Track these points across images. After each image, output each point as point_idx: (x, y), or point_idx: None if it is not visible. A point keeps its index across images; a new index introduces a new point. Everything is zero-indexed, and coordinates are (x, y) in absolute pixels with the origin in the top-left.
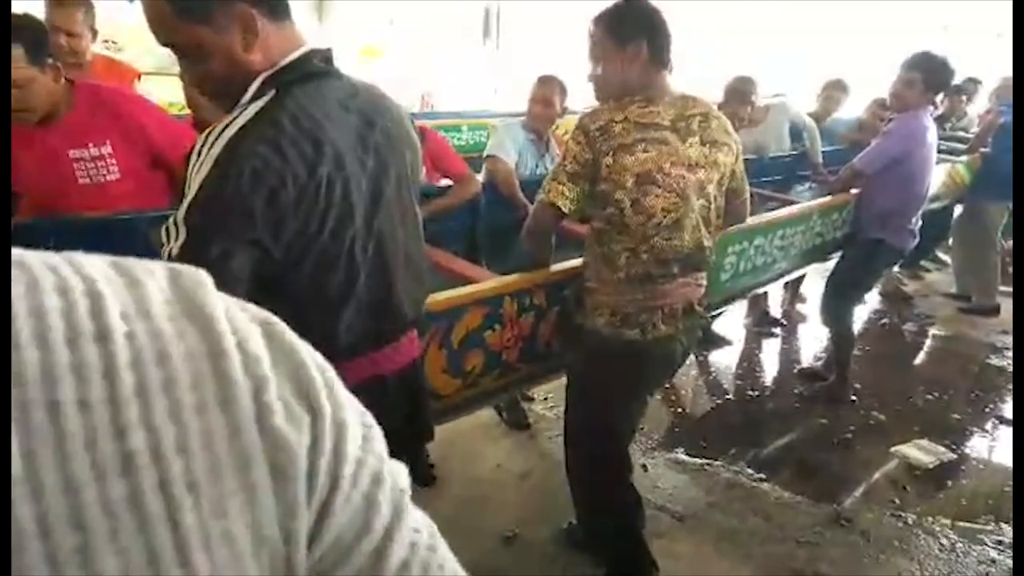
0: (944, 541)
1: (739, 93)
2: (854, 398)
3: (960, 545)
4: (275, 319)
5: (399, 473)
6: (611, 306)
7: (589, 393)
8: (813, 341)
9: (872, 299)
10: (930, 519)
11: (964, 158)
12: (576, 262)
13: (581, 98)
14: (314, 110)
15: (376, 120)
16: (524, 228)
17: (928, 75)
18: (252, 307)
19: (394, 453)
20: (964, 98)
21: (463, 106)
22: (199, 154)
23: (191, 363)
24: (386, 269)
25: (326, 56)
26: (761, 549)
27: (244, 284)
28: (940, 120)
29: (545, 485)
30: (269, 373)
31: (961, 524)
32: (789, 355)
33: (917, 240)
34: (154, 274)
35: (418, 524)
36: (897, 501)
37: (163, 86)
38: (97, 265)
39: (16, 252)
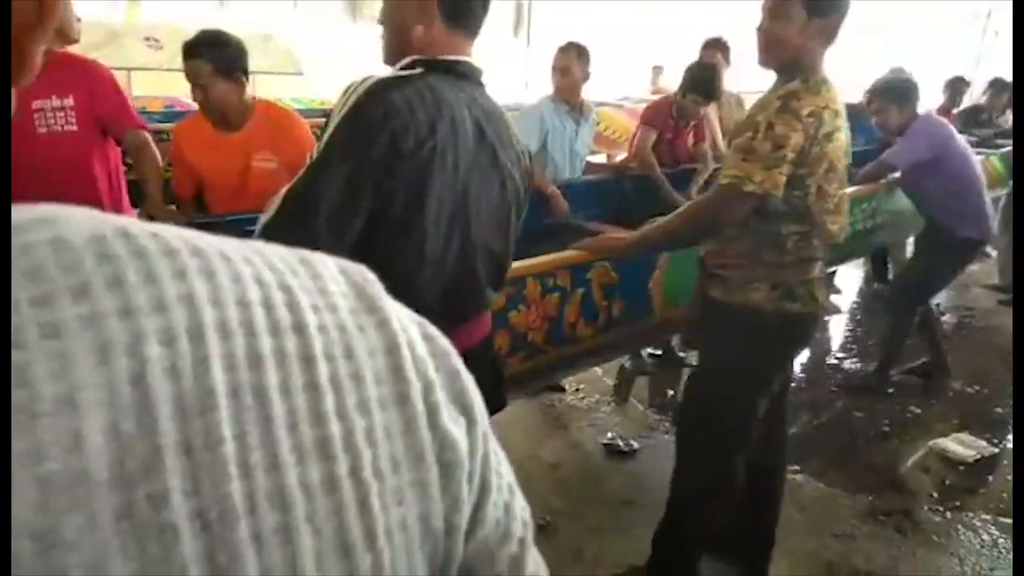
0: (985, 536)
1: None
2: (891, 390)
3: (1002, 540)
4: (426, 321)
5: (517, 495)
6: (771, 279)
7: (733, 371)
8: (845, 332)
9: None
10: (970, 514)
11: (1000, 151)
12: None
13: (631, 85)
14: (446, 93)
15: (495, 127)
16: (700, 211)
17: (896, 98)
18: (401, 305)
19: None
20: (1005, 95)
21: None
22: (343, 100)
23: (373, 359)
24: (473, 251)
25: (475, 68)
26: (795, 541)
27: (349, 228)
28: (975, 113)
29: (576, 475)
30: (434, 376)
31: (1003, 520)
32: (822, 345)
33: (987, 225)
34: (328, 266)
35: (531, 545)
36: (936, 495)
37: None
38: (283, 256)
39: (215, 241)
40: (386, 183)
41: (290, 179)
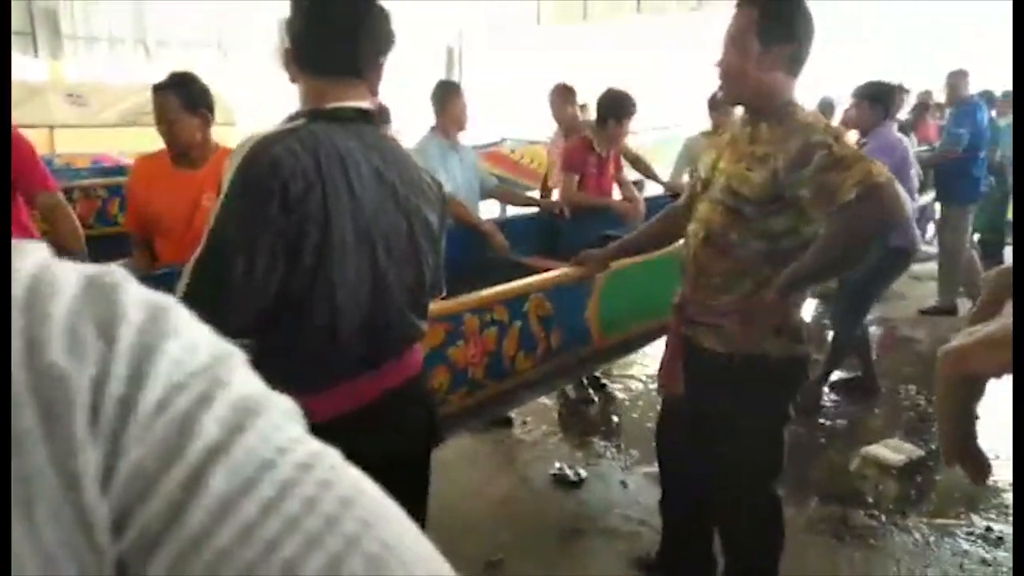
0: (918, 536)
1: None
2: (825, 403)
3: (933, 539)
4: (114, 267)
5: (261, 398)
6: (777, 325)
7: (752, 424)
8: None
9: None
10: (903, 516)
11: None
12: (540, 277)
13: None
14: (332, 137)
15: (395, 166)
16: (872, 217)
17: (874, 100)
18: (93, 267)
19: (409, 462)
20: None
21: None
22: (232, 161)
23: None
24: (388, 290)
25: (361, 110)
26: None
27: (265, 286)
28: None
29: (526, 508)
30: (59, 310)
31: (936, 521)
32: None
33: (915, 235)
34: None
35: (290, 444)
36: (871, 500)
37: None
38: None
39: None
40: (289, 233)
41: None
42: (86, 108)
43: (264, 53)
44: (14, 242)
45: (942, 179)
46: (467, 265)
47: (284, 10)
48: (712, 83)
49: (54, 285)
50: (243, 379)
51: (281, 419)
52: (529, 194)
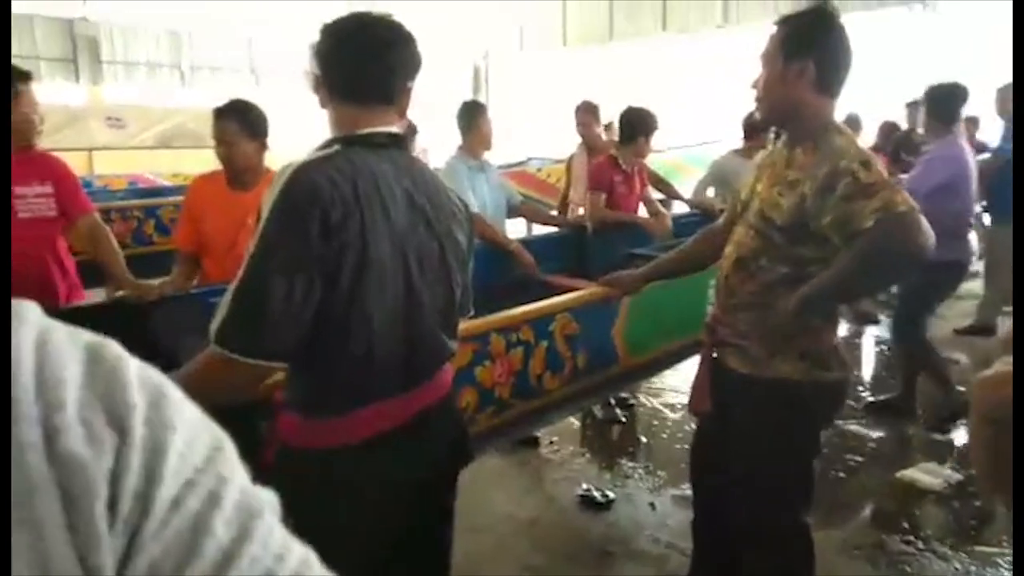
0: (957, 565)
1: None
2: (859, 426)
3: (975, 569)
4: (108, 342)
5: (256, 497)
6: (798, 347)
7: (776, 448)
8: None
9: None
10: (941, 544)
11: None
12: (566, 297)
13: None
14: (367, 162)
15: (425, 190)
16: (888, 246)
17: (939, 104)
18: (86, 334)
19: (439, 480)
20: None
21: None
22: (272, 190)
23: None
24: (422, 312)
25: (393, 135)
26: None
27: (304, 312)
28: (907, 138)
29: (554, 530)
30: (70, 396)
31: (975, 548)
32: None
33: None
34: None
35: (283, 549)
36: (907, 526)
37: (161, 159)
38: None
39: None
40: (328, 259)
41: None
42: (124, 131)
43: (295, 77)
44: (13, 303)
45: (991, 193)
46: (494, 284)
47: (314, 36)
48: (737, 101)
49: (60, 366)
50: (238, 473)
51: (272, 519)
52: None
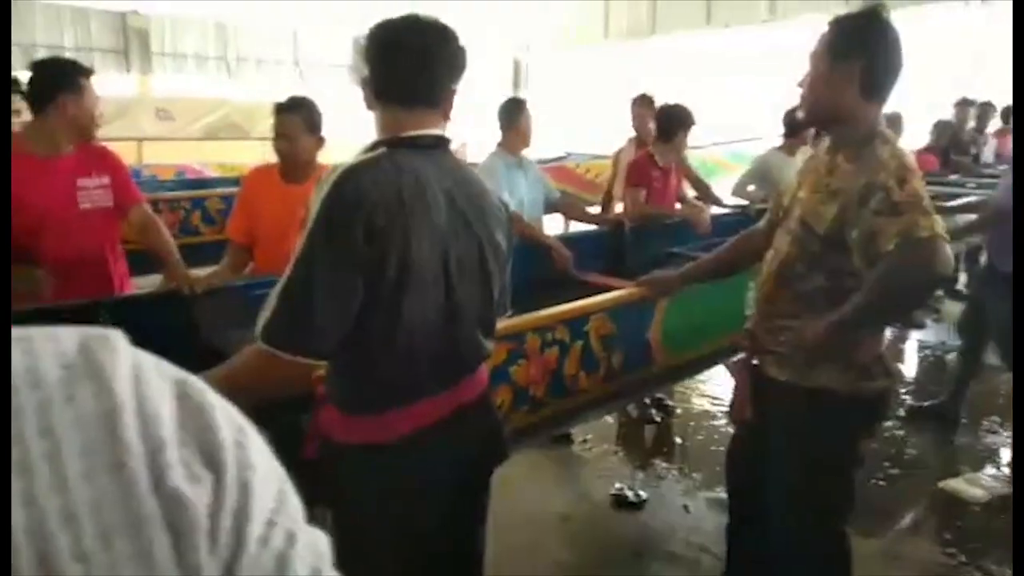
0: None
1: None
2: (900, 432)
3: None
4: (192, 378)
5: (319, 539)
6: (842, 357)
7: (817, 458)
8: None
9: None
10: (985, 558)
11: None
12: (602, 297)
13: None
14: (412, 165)
15: (466, 191)
16: (906, 273)
17: None
18: (169, 367)
19: (475, 477)
20: (970, 109)
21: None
22: (318, 191)
23: (80, 430)
24: (461, 312)
25: (438, 138)
26: None
27: (347, 313)
28: (955, 140)
29: (586, 528)
30: (169, 433)
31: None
32: None
33: None
34: (59, 339)
35: None
36: (949, 538)
37: (207, 149)
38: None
39: None
40: (371, 262)
41: None
42: (173, 123)
43: (338, 71)
44: (104, 334)
45: None
46: (530, 281)
47: (358, 29)
48: (782, 97)
49: (157, 402)
50: (300, 513)
51: (329, 563)
52: (591, 209)
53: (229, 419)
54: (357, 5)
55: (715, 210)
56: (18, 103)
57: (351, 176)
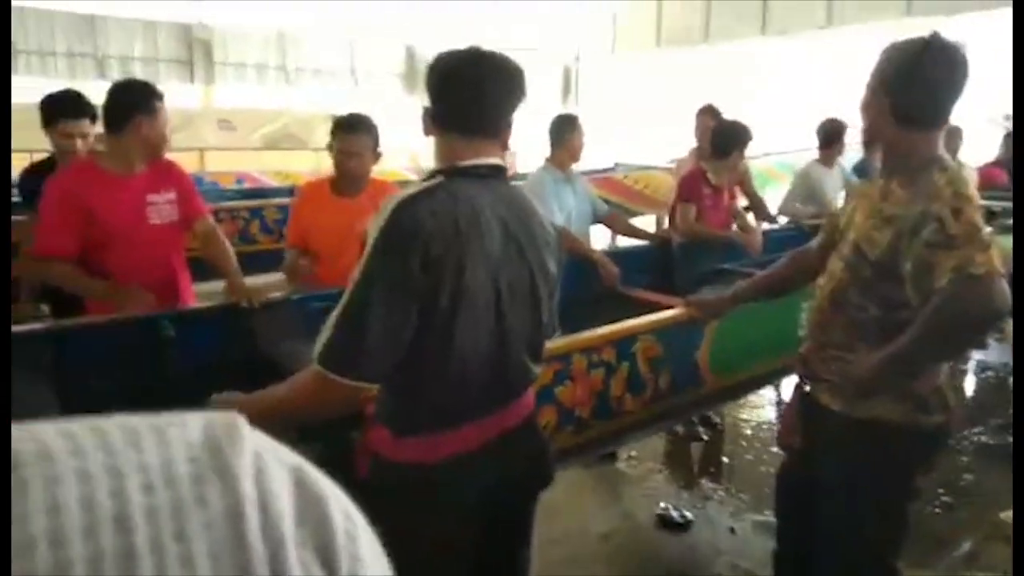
0: None
1: None
2: (960, 458)
3: None
4: (306, 464)
5: None
6: (898, 388)
7: (870, 491)
8: None
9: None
10: None
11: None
12: (650, 319)
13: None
14: (468, 194)
15: (518, 217)
16: (960, 311)
17: None
18: (287, 452)
19: (520, 497)
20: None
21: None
22: (377, 219)
23: (209, 532)
24: (511, 338)
25: (495, 167)
26: None
27: (402, 339)
28: None
29: (628, 547)
30: (289, 531)
31: None
32: None
33: None
34: (186, 428)
35: None
36: (1008, 571)
37: (266, 158)
38: (127, 428)
39: (37, 431)
40: (426, 291)
41: None
42: (234, 133)
43: (392, 80)
44: (229, 422)
45: None
46: (577, 297)
47: (411, 39)
48: (837, 106)
49: (277, 496)
50: None
51: None
52: (648, 222)
53: (341, 509)
54: (411, 15)
55: (766, 226)
56: (87, 128)
57: (408, 206)
